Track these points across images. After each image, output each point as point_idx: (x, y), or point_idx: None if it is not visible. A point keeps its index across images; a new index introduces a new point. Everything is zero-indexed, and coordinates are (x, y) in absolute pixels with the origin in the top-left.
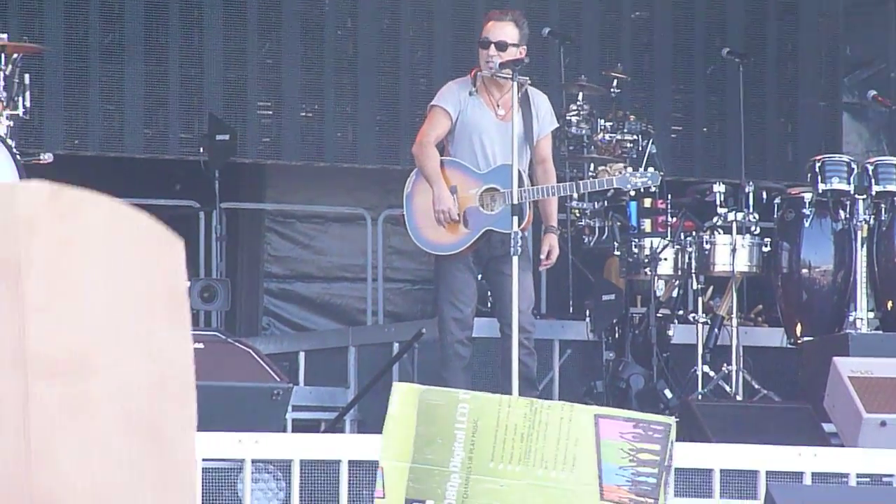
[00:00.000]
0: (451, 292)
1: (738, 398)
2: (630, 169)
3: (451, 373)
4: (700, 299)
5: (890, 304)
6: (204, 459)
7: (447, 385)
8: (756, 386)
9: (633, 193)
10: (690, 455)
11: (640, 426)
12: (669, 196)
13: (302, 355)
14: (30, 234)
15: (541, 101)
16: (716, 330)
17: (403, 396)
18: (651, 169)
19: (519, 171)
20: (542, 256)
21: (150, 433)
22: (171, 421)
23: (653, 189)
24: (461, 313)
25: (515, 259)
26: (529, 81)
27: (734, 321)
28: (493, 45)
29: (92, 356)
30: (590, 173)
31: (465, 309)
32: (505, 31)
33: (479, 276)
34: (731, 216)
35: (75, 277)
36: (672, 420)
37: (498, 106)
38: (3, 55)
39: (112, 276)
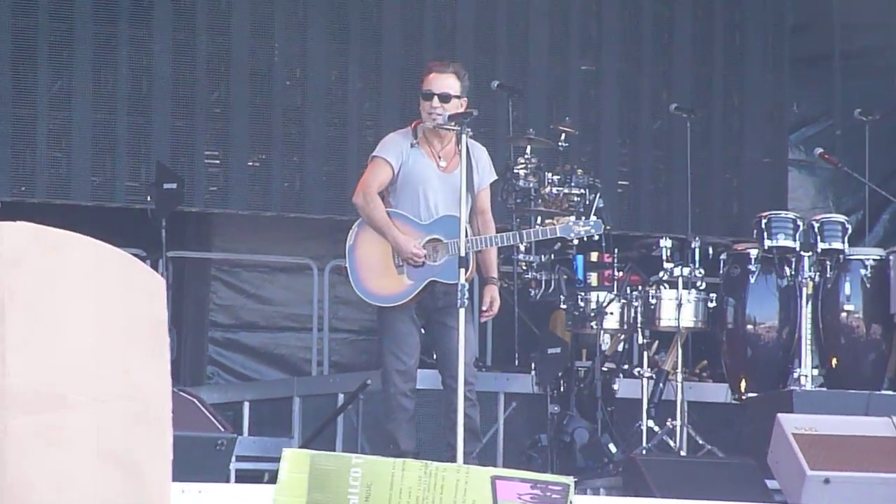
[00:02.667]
0: (395, 344)
1: (683, 453)
2: (573, 218)
3: (396, 424)
4: (645, 353)
5: (834, 361)
6: None
7: (393, 437)
8: (700, 441)
9: (576, 242)
10: None
11: (537, 487)
12: (616, 250)
13: (246, 405)
14: (12, 270)
15: (480, 153)
16: (661, 385)
17: (294, 462)
18: (594, 218)
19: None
20: (484, 308)
21: (126, 466)
22: (147, 454)
23: (596, 237)
24: (404, 365)
25: (462, 311)
26: (471, 133)
27: (679, 376)
28: (435, 97)
29: (72, 390)
30: (537, 226)
31: (409, 361)
32: (447, 82)
33: (422, 328)
34: (677, 271)
35: (58, 313)
36: (570, 480)
37: (440, 157)
38: None
39: (94, 311)
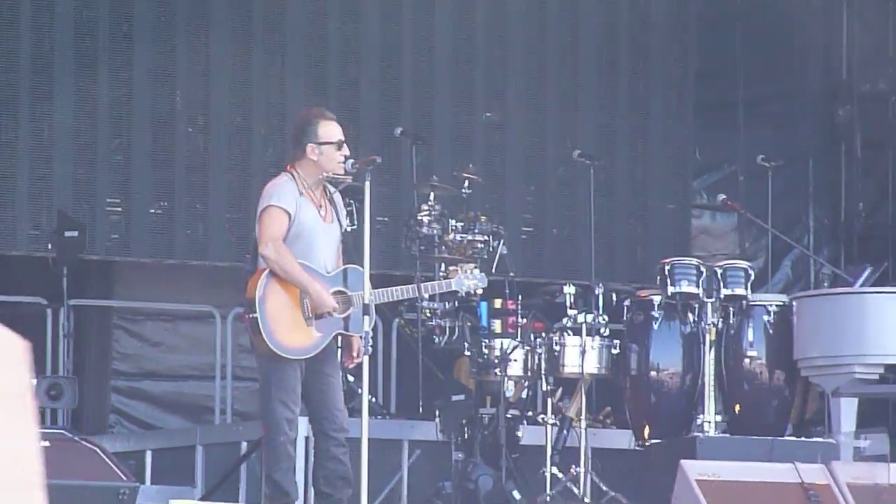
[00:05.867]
0: (285, 393)
1: (587, 500)
2: (460, 271)
3: (283, 474)
4: (549, 400)
5: (738, 407)
6: None
7: (282, 486)
8: (604, 488)
9: (480, 293)
10: None
11: None
12: (520, 297)
13: (149, 454)
14: None
15: (339, 199)
16: (565, 431)
17: None
18: (476, 271)
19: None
20: (354, 354)
21: None
22: None
23: (479, 290)
24: (292, 413)
25: (367, 358)
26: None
27: (583, 423)
28: (345, 145)
29: None
30: (440, 273)
31: (296, 410)
32: (340, 129)
33: None
34: (580, 318)
35: None
36: None
37: (320, 207)
38: None
39: None
